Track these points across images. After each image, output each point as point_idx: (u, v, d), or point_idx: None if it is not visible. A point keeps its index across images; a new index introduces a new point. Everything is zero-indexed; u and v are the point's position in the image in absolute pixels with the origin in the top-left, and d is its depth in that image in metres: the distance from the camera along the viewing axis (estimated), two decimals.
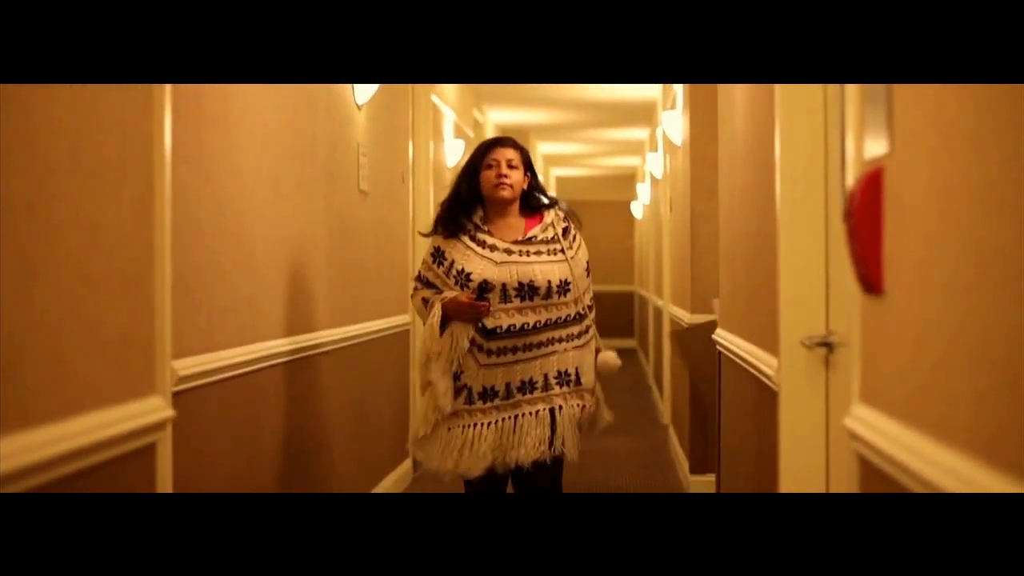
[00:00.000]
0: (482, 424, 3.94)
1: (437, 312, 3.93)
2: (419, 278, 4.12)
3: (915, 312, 1.82)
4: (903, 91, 1.87)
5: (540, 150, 16.30)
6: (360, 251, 5.69)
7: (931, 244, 1.73)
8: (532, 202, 4.13)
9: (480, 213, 4.08)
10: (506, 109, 12.35)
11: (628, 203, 18.42)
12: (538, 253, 4.01)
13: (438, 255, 4.06)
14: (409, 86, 7.25)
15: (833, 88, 3.05)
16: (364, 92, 5.71)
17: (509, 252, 3.98)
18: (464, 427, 3.93)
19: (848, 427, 2.20)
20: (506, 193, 4.03)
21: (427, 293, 4.04)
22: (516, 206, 4.10)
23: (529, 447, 3.90)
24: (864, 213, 2.00)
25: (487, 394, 3.94)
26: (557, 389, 3.97)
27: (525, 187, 4.11)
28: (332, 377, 5.06)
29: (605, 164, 18.66)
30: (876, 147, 2.05)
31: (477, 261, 3.97)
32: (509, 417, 3.93)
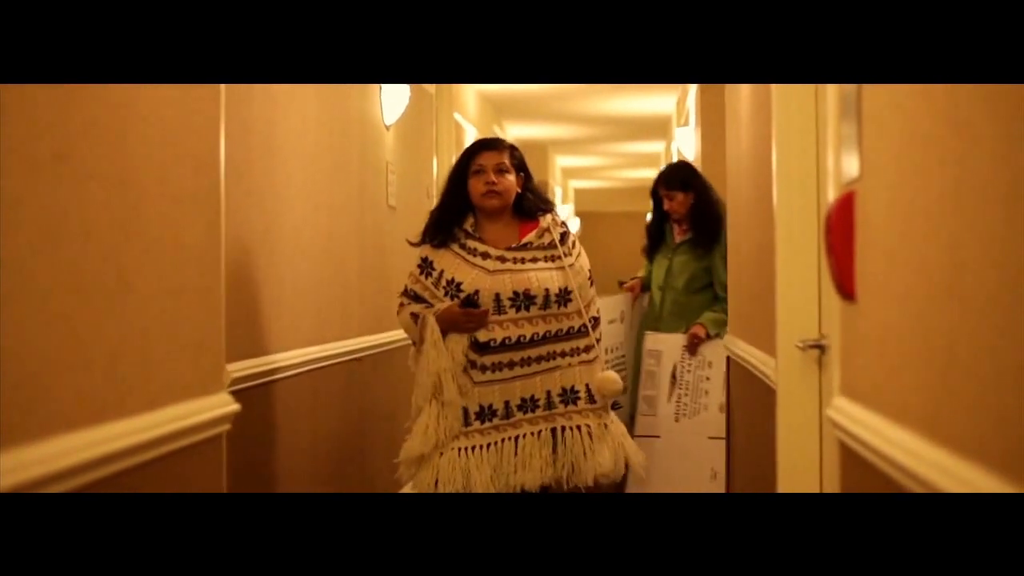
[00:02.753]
0: (480, 447, 3.61)
1: (434, 327, 3.65)
2: (406, 292, 3.85)
3: (879, 316, 2.13)
4: (868, 127, 2.19)
5: (558, 163, 16.62)
6: (388, 263, 6.02)
7: (891, 259, 2.04)
8: (526, 206, 3.84)
9: (471, 220, 3.80)
10: (525, 124, 12.68)
11: (644, 215, 18.77)
12: (534, 260, 3.72)
13: (426, 266, 3.79)
14: (433, 107, 7.58)
15: (823, 112, 3.36)
16: (392, 113, 6.04)
17: (503, 260, 3.70)
18: (461, 451, 3.61)
19: (830, 416, 2.51)
20: (496, 202, 3.76)
21: (417, 308, 3.78)
22: (509, 211, 3.84)
23: (535, 470, 3.61)
24: (839, 230, 2.32)
25: (484, 414, 3.64)
26: (561, 408, 3.67)
27: (519, 190, 3.83)
28: (364, 382, 5.37)
29: (621, 176, 18.98)
30: (850, 171, 2.36)
31: (468, 270, 3.69)
32: (509, 438, 3.62)
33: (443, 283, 3.71)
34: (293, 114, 4.27)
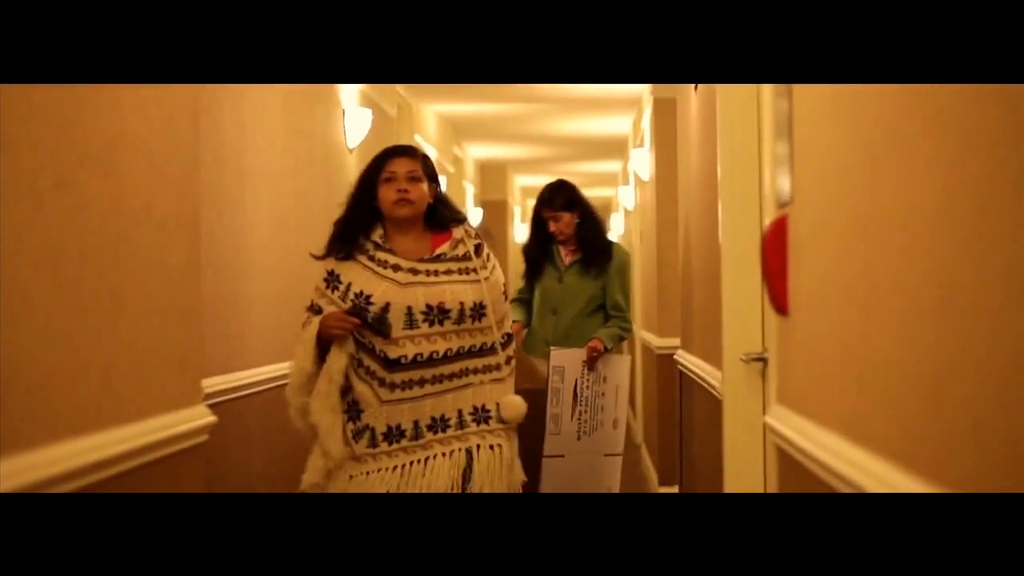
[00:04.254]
0: (385, 469, 3.38)
1: (312, 328, 3.42)
2: (311, 307, 3.57)
3: (807, 330, 2.34)
4: (798, 156, 2.40)
5: (517, 182, 16.84)
6: None
7: (817, 277, 2.25)
8: (438, 217, 3.60)
9: (379, 231, 3.54)
10: (484, 144, 12.88)
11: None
12: (448, 272, 3.49)
13: (332, 279, 3.52)
14: (395, 129, 7.78)
15: (765, 139, 3.57)
16: (355, 136, 6.23)
17: (415, 272, 3.46)
18: (368, 474, 3.38)
19: (767, 423, 2.72)
20: (407, 211, 3.51)
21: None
22: (421, 222, 3.58)
23: (440, 491, 3.35)
24: (773, 250, 2.53)
25: (392, 434, 3.40)
26: (473, 427, 3.44)
27: (430, 200, 3.58)
28: None
29: None
30: (783, 195, 2.58)
31: (378, 282, 3.44)
32: (419, 460, 3.38)
33: (351, 296, 3.45)
34: (261, 140, 4.45)
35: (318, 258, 3.60)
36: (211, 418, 2.83)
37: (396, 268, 3.46)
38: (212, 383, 3.60)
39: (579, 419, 5.13)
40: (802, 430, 2.34)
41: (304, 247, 5.11)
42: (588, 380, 5.15)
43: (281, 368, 4.59)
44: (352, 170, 6.25)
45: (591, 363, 5.13)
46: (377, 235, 3.52)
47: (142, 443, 2.35)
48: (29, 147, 1.94)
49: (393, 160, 3.56)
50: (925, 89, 1.56)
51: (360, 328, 3.37)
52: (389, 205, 3.51)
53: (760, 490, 3.55)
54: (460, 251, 3.54)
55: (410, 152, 3.64)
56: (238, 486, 3.98)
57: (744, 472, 3.58)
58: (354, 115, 6.19)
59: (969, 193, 1.41)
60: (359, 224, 3.54)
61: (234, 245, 4.05)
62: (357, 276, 3.47)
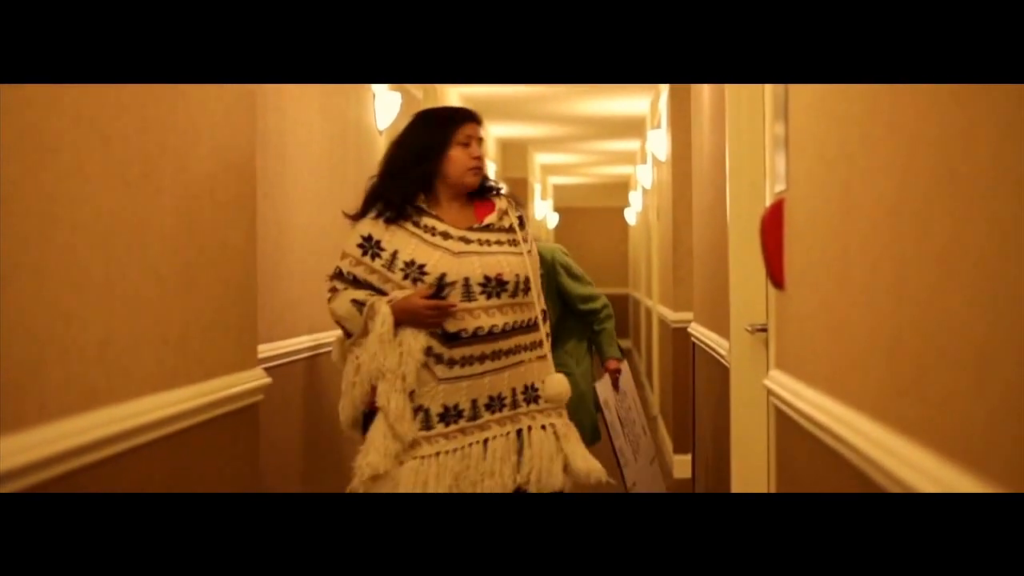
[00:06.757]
0: (444, 453, 3.17)
1: (387, 318, 3.18)
2: (340, 276, 3.35)
3: (799, 301, 2.64)
4: (792, 148, 2.69)
5: (538, 160, 17.12)
6: None
7: (806, 255, 2.55)
8: (481, 186, 3.45)
9: (421, 196, 3.35)
10: (505, 123, 13.16)
11: (622, 210, 19.27)
12: (499, 243, 3.32)
13: (370, 245, 3.30)
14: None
15: (767, 128, 3.86)
16: (385, 119, 6.52)
17: (466, 241, 3.27)
18: (424, 459, 3.17)
19: (766, 386, 3.02)
20: (476, 180, 3.37)
21: (359, 294, 3.29)
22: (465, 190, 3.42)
23: (506, 477, 3.20)
24: (770, 231, 2.82)
25: (449, 415, 3.20)
26: (524, 407, 3.26)
27: None
28: None
29: (600, 173, 19.46)
30: (780, 184, 2.87)
31: (430, 251, 3.24)
32: (478, 442, 3.20)
33: (400, 265, 3.24)
34: (300, 125, 4.75)
35: (353, 217, 3.41)
36: (267, 379, 3.15)
37: (446, 236, 3.27)
38: (260, 350, 3.91)
39: (630, 441, 5.18)
40: (794, 391, 2.64)
41: (338, 227, 5.41)
42: (618, 399, 5.16)
43: (317, 338, 4.91)
44: (382, 150, 6.54)
45: (616, 384, 5.13)
46: (420, 200, 3.33)
47: (210, 400, 2.67)
48: (121, 143, 2.24)
49: (469, 124, 3.39)
50: (886, 99, 1.85)
51: (454, 311, 3.19)
52: (462, 171, 3.34)
53: (763, 450, 3.85)
54: (506, 223, 3.38)
55: (479, 118, 3.46)
56: (282, 444, 4.30)
57: (749, 434, 3.88)
58: (384, 98, 6.48)
59: (920, 187, 1.70)
60: (414, 186, 3.33)
61: (276, 225, 4.35)
62: (404, 243, 3.26)
